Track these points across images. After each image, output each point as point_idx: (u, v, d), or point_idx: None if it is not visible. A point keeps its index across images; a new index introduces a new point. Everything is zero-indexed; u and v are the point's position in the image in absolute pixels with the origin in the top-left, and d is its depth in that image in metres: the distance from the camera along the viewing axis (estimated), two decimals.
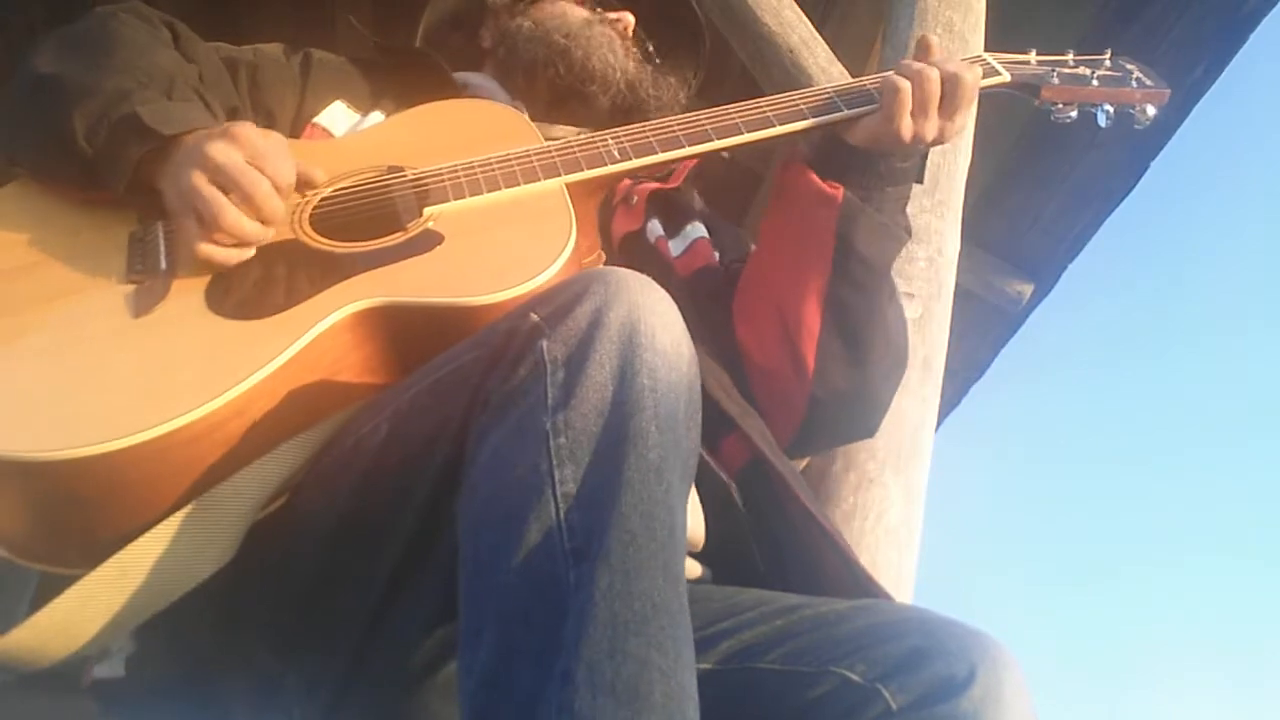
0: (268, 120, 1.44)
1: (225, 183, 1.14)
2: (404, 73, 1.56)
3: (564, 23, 1.63)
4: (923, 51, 1.42)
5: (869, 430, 1.56)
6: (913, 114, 1.35)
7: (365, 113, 1.51)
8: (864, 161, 1.39)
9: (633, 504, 0.87)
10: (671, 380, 0.94)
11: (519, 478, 0.90)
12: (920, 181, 1.45)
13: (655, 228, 1.55)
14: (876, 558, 1.74)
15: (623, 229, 1.52)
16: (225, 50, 1.48)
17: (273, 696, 1.14)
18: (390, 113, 1.51)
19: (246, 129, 1.17)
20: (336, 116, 1.49)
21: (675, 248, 1.56)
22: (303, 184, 1.22)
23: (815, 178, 1.40)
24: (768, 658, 1.11)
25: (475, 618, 0.89)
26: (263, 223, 1.17)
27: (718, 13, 2.21)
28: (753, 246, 1.64)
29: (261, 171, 1.15)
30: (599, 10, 1.67)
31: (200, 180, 1.14)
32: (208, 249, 1.15)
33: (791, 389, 1.43)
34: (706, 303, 1.47)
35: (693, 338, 1.31)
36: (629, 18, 1.68)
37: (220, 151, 1.14)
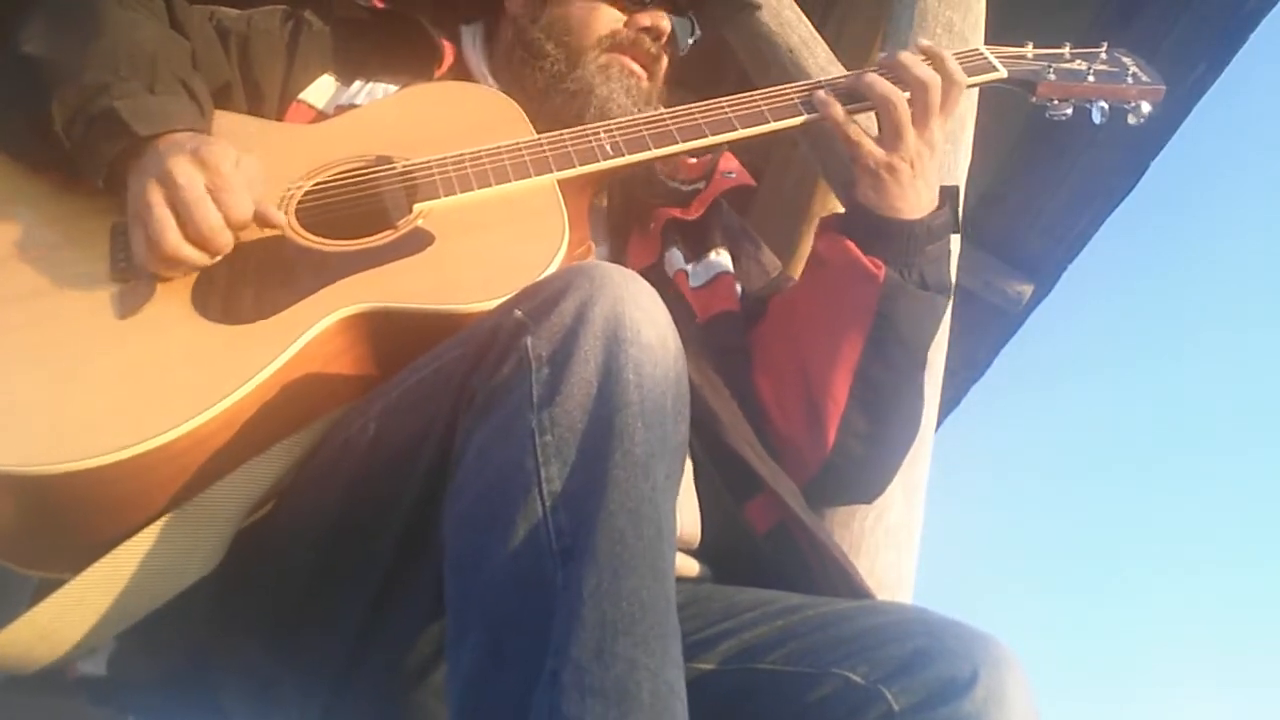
0: (255, 93, 1.42)
1: (178, 206, 1.11)
2: (392, 36, 1.53)
3: (579, 63, 1.48)
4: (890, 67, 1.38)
5: (870, 498, 1.55)
6: (916, 122, 1.34)
7: (349, 83, 1.48)
8: (898, 228, 1.36)
9: (619, 502, 0.86)
10: (657, 375, 0.93)
11: (505, 476, 0.89)
12: (957, 231, 1.42)
13: (675, 258, 1.50)
14: (876, 558, 1.74)
15: (639, 261, 1.47)
16: (219, 18, 1.45)
17: (271, 698, 1.13)
18: (371, 78, 1.49)
19: (218, 153, 1.14)
20: (322, 90, 1.46)
21: (696, 278, 1.50)
22: (260, 220, 1.17)
23: (856, 250, 1.36)
24: (769, 658, 1.10)
25: (462, 617, 0.88)
26: (206, 253, 1.13)
27: None
28: (770, 264, 1.60)
29: (218, 202, 1.12)
30: (629, 13, 1.52)
31: (155, 196, 1.11)
32: (149, 263, 1.13)
33: (806, 452, 1.40)
34: (727, 354, 1.43)
35: (715, 392, 1.29)
36: (662, 24, 1.52)
37: (182, 173, 1.11)
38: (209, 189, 1.12)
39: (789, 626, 1.13)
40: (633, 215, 1.52)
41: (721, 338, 1.45)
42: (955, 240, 2.05)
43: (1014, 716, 1.00)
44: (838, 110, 1.36)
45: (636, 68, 1.51)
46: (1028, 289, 3.45)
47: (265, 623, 1.11)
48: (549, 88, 1.48)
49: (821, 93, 1.38)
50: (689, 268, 1.50)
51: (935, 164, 1.40)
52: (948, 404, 3.28)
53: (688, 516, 1.28)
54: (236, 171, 1.14)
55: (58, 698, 1.19)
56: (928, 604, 1.24)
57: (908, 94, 1.36)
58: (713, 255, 1.53)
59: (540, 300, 0.96)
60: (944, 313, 1.42)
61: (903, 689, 1.02)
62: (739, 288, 1.53)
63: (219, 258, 1.14)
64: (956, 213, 1.42)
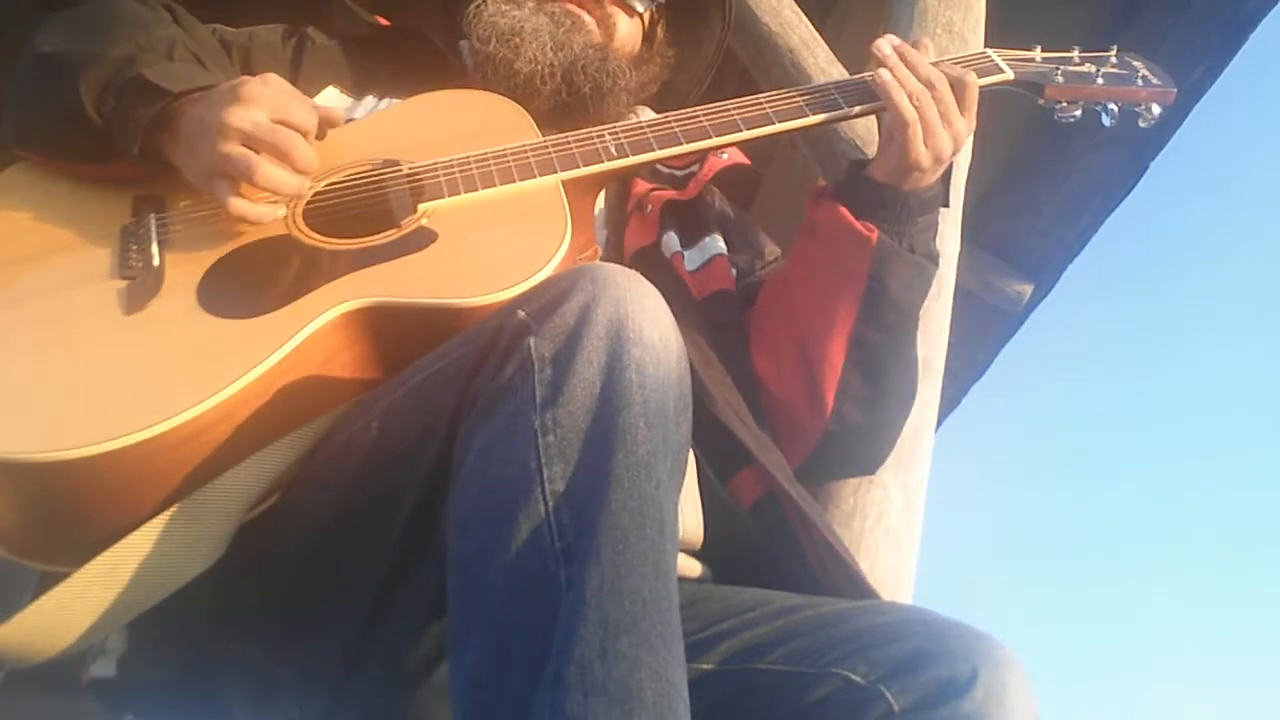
0: None
1: (257, 145, 1.14)
2: (399, 52, 1.54)
3: (498, 17, 1.50)
4: (882, 57, 1.36)
5: (872, 468, 1.56)
6: (925, 140, 1.34)
7: (358, 97, 1.50)
8: (892, 196, 1.37)
9: (622, 501, 0.87)
10: (660, 375, 0.93)
11: (508, 476, 0.90)
12: (947, 205, 1.43)
13: (671, 241, 1.52)
14: (876, 558, 1.74)
15: (637, 242, 1.49)
16: (221, 32, 1.48)
17: (271, 696, 1.13)
18: (383, 94, 1.50)
19: (254, 87, 1.17)
20: (329, 103, 1.47)
21: (691, 261, 1.53)
22: (324, 124, 1.22)
23: (849, 215, 1.38)
24: (769, 658, 1.11)
25: (465, 617, 0.89)
26: (300, 174, 1.17)
27: None
28: (768, 250, 1.62)
29: (286, 123, 1.16)
30: None
31: (229, 146, 1.14)
32: (242, 206, 1.16)
33: (806, 422, 1.42)
34: (722, 331, 1.45)
35: (708, 366, 1.30)
36: None
37: (240, 117, 1.14)
38: (274, 119, 1.15)
39: (789, 626, 1.13)
40: (630, 201, 1.53)
41: (717, 314, 1.47)
42: (957, 241, 2.07)
43: (1013, 716, 1.00)
44: (900, 95, 1.33)
45: (575, 9, 1.53)
46: (1028, 289, 3.45)
47: (266, 620, 1.12)
48: (482, 68, 1.50)
49: (884, 74, 1.35)
50: (685, 252, 1.52)
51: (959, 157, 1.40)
52: (948, 404, 3.28)
53: (690, 517, 1.28)
54: (280, 93, 1.18)
55: (66, 699, 1.19)
56: (928, 604, 1.25)
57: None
58: (707, 239, 1.55)
59: (544, 301, 0.96)
60: (932, 280, 1.43)
61: (903, 689, 1.02)
62: (734, 271, 1.55)
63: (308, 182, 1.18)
64: (947, 186, 1.42)
